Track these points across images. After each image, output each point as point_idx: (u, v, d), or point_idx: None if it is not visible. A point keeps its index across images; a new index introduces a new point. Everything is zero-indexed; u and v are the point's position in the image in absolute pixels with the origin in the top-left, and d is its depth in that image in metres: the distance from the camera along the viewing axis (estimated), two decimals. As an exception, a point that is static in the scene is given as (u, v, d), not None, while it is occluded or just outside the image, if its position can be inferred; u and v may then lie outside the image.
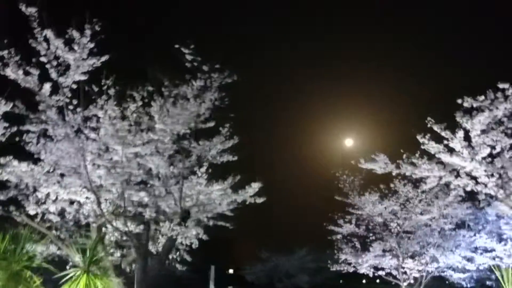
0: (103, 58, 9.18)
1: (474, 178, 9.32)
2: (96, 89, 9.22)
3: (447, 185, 16.20)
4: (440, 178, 9.76)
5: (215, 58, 8.36)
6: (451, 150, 8.95)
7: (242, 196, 10.28)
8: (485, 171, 8.71)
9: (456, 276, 17.92)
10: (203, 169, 9.50)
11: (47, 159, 9.19)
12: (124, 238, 10.86)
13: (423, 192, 16.41)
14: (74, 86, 9.23)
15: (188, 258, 12.86)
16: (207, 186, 9.67)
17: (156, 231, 10.52)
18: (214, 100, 8.84)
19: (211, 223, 11.08)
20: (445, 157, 8.88)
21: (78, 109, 9.29)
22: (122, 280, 10.56)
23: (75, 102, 9.27)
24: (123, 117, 9.23)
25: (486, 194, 9.41)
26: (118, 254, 11.91)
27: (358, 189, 17.60)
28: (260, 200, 10.67)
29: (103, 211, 10.05)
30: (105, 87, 9.14)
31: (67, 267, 11.31)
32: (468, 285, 18.66)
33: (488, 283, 18.59)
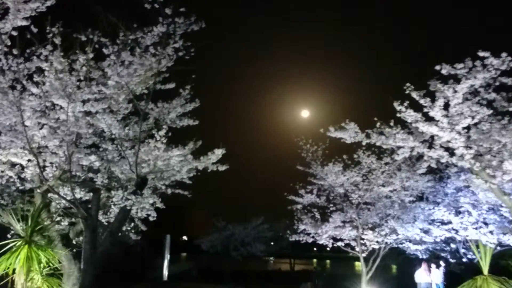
0: (48, 2, 7.96)
1: (448, 150, 8.92)
2: (39, 37, 8.02)
3: (410, 157, 16.12)
4: (412, 149, 9.31)
5: (180, 1, 7.27)
6: (429, 119, 8.47)
7: (203, 163, 9.48)
8: (463, 142, 8.29)
9: (413, 248, 18.08)
10: (162, 133, 8.58)
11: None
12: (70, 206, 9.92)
13: (386, 163, 16.21)
14: (15, 33, 7.99)
15: (143, 227, 12.09)
16: (165, 151, 8.79)
17: (108, 199, 9.59)
18: (178, 50, 7.80)
19: (169, 191, 10.27)
20: (423, 126, 8.38)
21: (19, 60, 8.09)
22: (70, 252, 9.68)
23: (15, 52, 8.08)
24: (71, 70, 8.11)
25: (458, 167, 9.05)
26: (65, 222, 10.98)
27: (321, 159, 17.21)
28: (222, 168, 9.92)
29: (48, 176, 9.03)
30: (50, 35, 7.96)
31: (9, 236, 10.32)
32: (424, 256, 18.93)
33: (442, 254, 18.90)
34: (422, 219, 16.88)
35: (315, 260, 67.57)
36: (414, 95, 8.35)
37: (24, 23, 7.90)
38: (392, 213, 16.90)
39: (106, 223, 9.64)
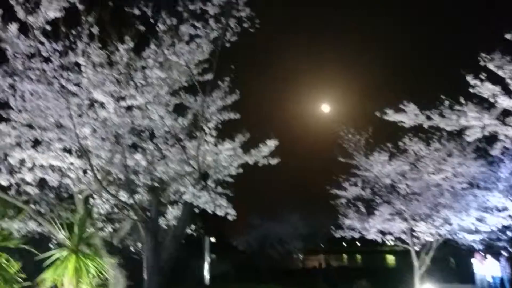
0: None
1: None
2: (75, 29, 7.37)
3: (461, 141, 15.02)
4: (483, 128, 8.40)
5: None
6: (509, 93, 7.57)
7: (254, 156, 8.73)
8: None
9: (469, 238, 16.97)
10: (212, 125, 7.86)
11: (18, 117, 7.44)
12: (116, 210, 9.31)
13: (436, 150, 15.23)
14: (48, 28, 7.36)
15: (188, 230, 11.45)
16: (215, 145, 8.08)
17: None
18: (240, 20, 6.97)
19: (219, 189, 9.55)
20: (503, 101, 7.49)
21: (54, 56, 7.46)
22: (117, 260, 9.08)
23: (49, 47, 7.44)
24: (110, 64, 7.46)
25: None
26: (108, 229, 10.41)
27: (365, 149, 16.25)
28: (274, 162, 9.13)
29: (89, 179, 8.40)
30: (86, 26, 7.32)
31: (50, 245, 9.82)
32: (479, 247, 17.82)
33: (499, 244, 17.74)
34: (475, 207, 15.82)
35: (345, 256, 66.54)
36: (491, 66, 7.46)
37: (58, 15, 7.26)
38: (442, 202, 15.89)
39: (166, 226, 8.94)
